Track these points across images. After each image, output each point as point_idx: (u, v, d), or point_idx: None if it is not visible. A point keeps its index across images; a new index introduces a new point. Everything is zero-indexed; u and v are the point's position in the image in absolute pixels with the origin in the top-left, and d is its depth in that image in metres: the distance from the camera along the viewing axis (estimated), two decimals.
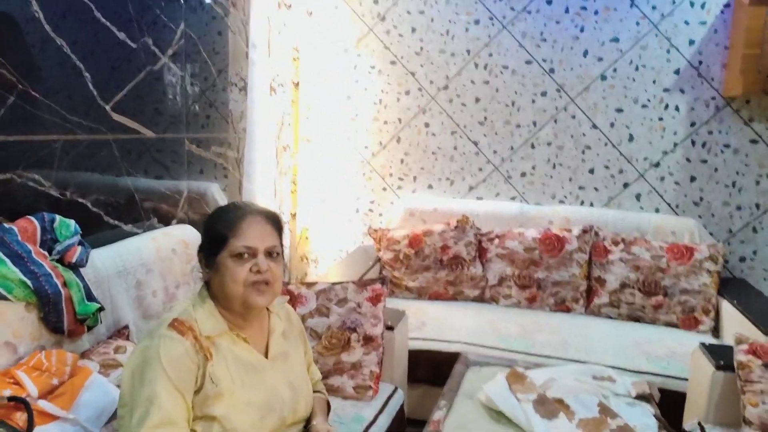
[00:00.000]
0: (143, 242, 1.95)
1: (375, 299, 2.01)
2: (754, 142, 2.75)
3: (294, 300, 1.96)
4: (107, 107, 1.97)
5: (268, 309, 1.36)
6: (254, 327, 1.31)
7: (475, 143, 3.07)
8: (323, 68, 3.01)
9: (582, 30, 2.87)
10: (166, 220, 2.29)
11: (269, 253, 1.25)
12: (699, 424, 1.75)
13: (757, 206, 2.78)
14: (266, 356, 1.31)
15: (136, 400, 1.10)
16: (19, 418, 1.22)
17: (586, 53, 2.88)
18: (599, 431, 1.51)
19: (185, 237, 2.10)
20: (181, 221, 2.34)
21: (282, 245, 1.31)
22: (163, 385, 1.10)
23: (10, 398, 1.23)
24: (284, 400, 1.29)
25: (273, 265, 1.25)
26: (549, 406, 1.60)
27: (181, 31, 2.31)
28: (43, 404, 1.29)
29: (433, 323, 2.46)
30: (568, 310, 2.64)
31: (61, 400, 1.33)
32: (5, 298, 1.40)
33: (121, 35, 2.00)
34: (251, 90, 2.61)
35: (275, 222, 1.30)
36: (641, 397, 1.73)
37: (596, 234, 2.68)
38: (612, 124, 2.90)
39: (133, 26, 2.05)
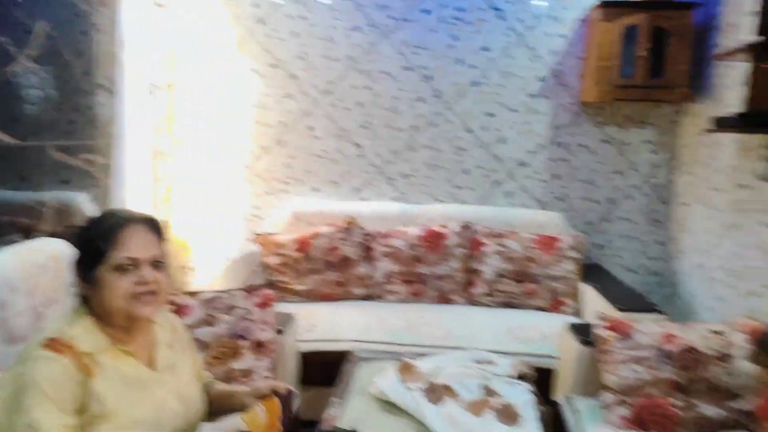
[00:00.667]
0: (4, 259, 1.78)
1: (264, 304, 2.00)
2: (606, 143, 3.08)
3: (178, 311, 1.89)
4: None
5: (151, 320, 1.31)
6: (138, 340, 1.26)
7: (359, 146, 3.14)
8: (201, 70, 2.92)
9: (456, 39, 3.04)
10: (28, 235, 2.10)
11: (153, 263, 1.21)
12: (566, 397, 1.93)
13: (609, 200, 3.12)
14: (153, 369, 1.26)
15: (15, 431, 1.02)
16: None
17: (460, 61, 3.06)
18: (484, 411, 1.62)
19: (54, 251, 1.94)
20: (46, 234, 2.16)
21: (165, 253, 1.26)
22: (45, 408, 1.02)
23: None
24: (175, 413, 1.25)
25: (158, 276, 1.21)
26: (438, 393, 1.69)
27: (40, 30, 2.14)
28: None
29: (323, 324, 2.49)
30: (450, 302, 2.79)
31: None
32: None
33: None
34: (121, 93, 2.48)
35: (157, 229, 1.26)
36: (519, 377, 1.88)
37: (473, 230, 2.86)
38: (484, 128, 3.10)
39: None
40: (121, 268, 1.17)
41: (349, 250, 2.80)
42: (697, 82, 2.75)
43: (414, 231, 2.83)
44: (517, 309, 2.73)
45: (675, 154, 3.04)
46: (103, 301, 1.17)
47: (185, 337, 1.44)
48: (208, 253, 3.06)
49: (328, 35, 3.06)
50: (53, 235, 2.16)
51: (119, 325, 1.21)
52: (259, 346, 1.94)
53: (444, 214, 2.97)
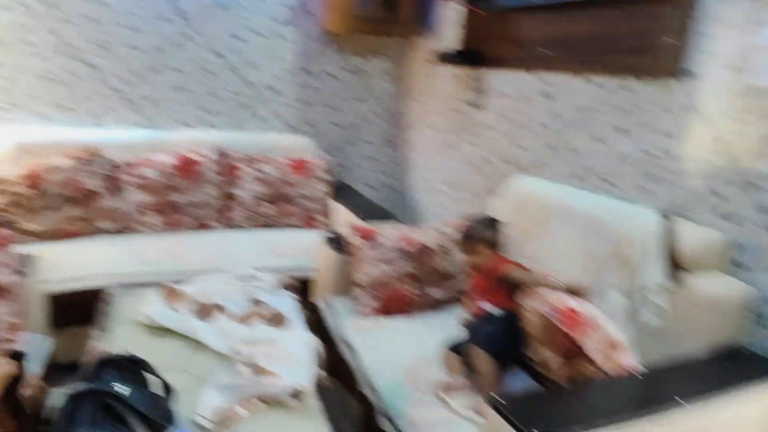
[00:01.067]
0: None
1: None
2: (349, 72, 3.32)
3: None
4: None
5: None
6: None
7: (94, 67, 2.84)
8: None
9: None
10: None
11: None
12: (324, 299, 2.19)
13: (353, 125, 3.42)
14: None
15: None
16: None
17: None
18: (254, 320, 1.76)
19: None
20: None
21: None
22: None
23: None
24: None
25: None
26: (207, 311, 1.77)
27: None
28: None
29: (72, 263, 2.31)
30: (209, 228, 2.80)
31: None
32: None
33: None
34: None
35: None
36: (283, 288, 2.05)
37: (228, 155, 2.88)
38: (234, 52, 3.06)
39: None
40: None
41: (92, 183, 2.59)
42: (424, 20, 3.12)
43: (166, 159, 2.73)
44: (275, 228, 2.88)
45: (406, 83, 3.43)
46: None
47: None
48: None
49: None
50: None
51: None
52: None
53: (195, 140, 2.90)
